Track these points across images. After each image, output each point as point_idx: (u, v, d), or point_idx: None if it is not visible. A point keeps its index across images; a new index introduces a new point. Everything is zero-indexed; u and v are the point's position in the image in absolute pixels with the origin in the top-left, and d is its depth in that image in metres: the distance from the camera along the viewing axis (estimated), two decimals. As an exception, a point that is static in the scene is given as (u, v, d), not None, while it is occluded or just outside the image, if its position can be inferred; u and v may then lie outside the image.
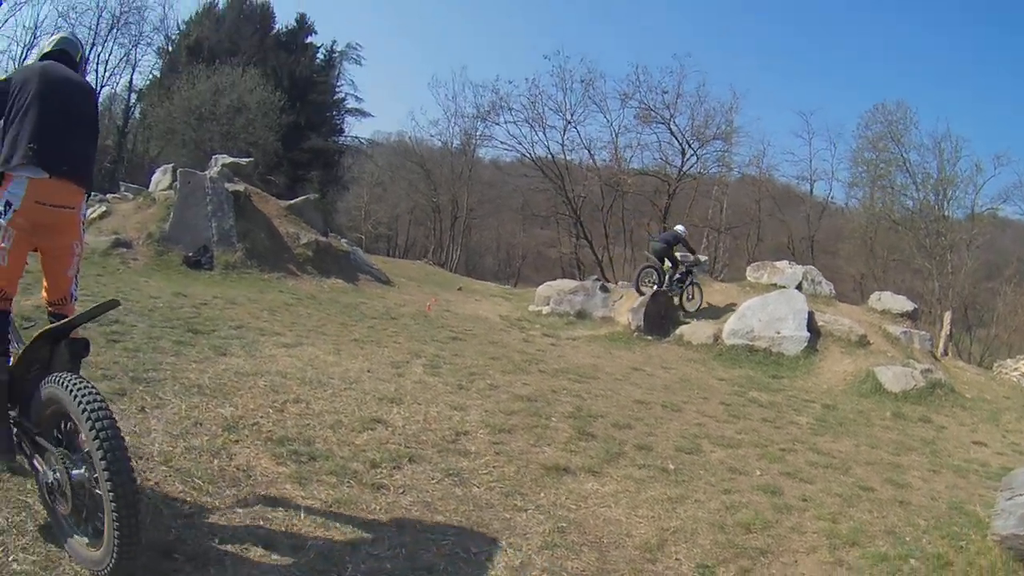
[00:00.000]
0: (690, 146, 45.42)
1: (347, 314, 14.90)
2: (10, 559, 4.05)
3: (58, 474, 3.97)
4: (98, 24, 57.96)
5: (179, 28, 62.75)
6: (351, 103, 69.69)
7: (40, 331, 4.42)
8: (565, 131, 48.62)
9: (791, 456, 8.57)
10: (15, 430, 4.40)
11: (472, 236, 62.54)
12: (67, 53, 5.25)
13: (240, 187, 20.51)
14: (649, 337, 17.16)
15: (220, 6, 63.97)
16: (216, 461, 5.97)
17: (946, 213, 44.04)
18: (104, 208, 19.41)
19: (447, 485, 6.38)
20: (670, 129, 45.67)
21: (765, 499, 6.94)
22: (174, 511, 4.97)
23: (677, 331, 17.64)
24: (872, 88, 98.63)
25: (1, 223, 4.46)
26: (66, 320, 4.52)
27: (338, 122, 68.92)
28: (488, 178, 63.43)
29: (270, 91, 49.65)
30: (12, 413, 4.43)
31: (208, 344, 9.81)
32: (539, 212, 55.44)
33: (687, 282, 19.71)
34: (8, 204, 4.46)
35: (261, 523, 5.08)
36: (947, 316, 21.52)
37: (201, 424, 6.69)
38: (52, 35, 5.56)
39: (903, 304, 19.62)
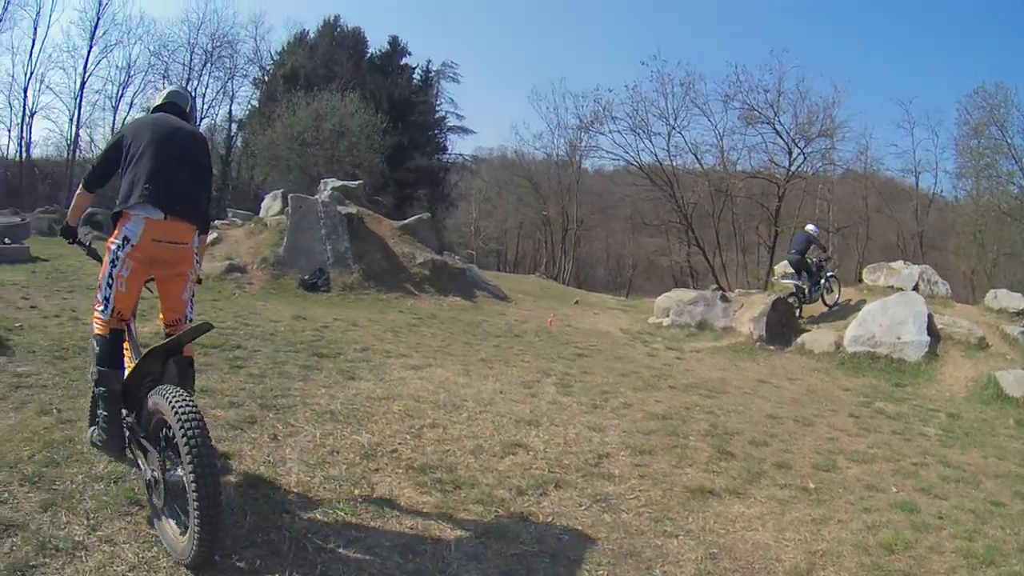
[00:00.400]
0: (796, 144, 43.62)
1: (470, 333, 14.69)
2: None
3: (156, 473, 4.46)
4: (191, 60, 59.92)
5: (272, 58, 64.02)
6: (452, 121, 70.27)
7: (150, 348, 4.81)
8: (670, 136, 47.52)
9: (923, 471, 8.26)
10: (127, 432, 4.84)
11: (582, 247, 61.96)
12: (177, 105, 5.69)
13: (353, 209, 20.51)
14: (771, 347, 16.57)
15: (311, 35, 65.16)
16: (357, 491, 5.73)
17: None
18: (215, 235, 19.49)
19: (596, 511, 6.05)
20: (775, 128, 44.10)
21: (903, 517, 6.68)
22: (317, 546, 4.75)
23: (799, 339, 17.00)
24: (966, 70, 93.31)
25: (120, 255, 4.92)
26: (169, 339, 4.84)
27: (441, 140, 69.57)
28: (596, 188, 62.74)
29: (371, 114, 49.88)
30: (129, 419, 4.85)
31: (335, 368, 9.67)
32: (649, 221, 54.23)
33: (824, 280, 19.11)
34: (127, 239, 4.91)
35: (411, 557, 4.83)
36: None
37: (338, 452, 6.47)
38: (162, 89, 6.06)
39: (1019, 302, 18.77)
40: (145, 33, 61.35)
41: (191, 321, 5.34)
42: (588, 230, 61.27)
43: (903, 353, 15.40)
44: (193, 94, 7.30)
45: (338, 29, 65.67)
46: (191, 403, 4.22)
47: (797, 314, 18.46)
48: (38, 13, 53.99)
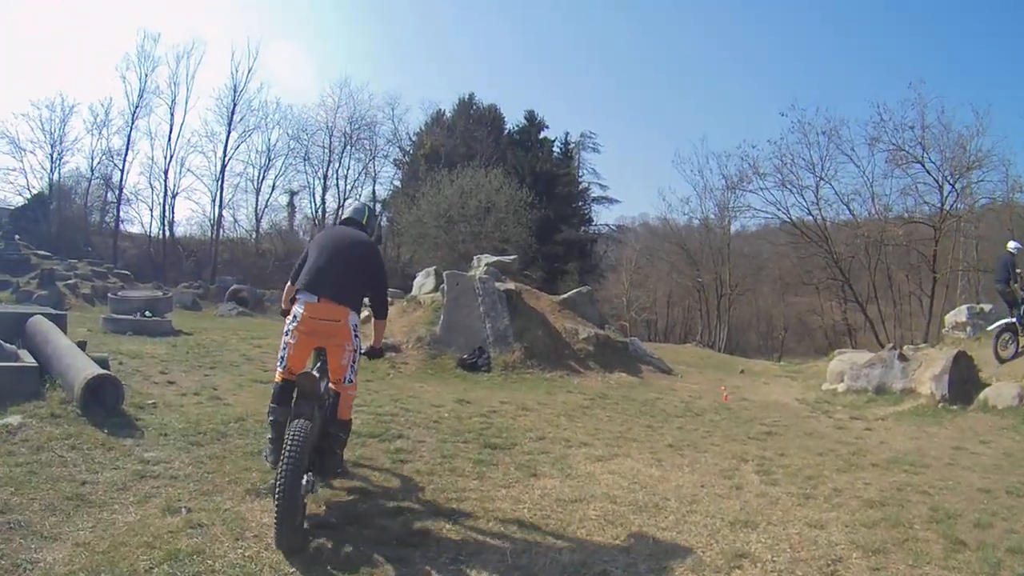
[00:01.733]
0: (948, 181, 40.38)
1: (648, 413, 13.52)
2: None
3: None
4: (331, 142, 62.09)
5: (411, 139, 64.98)
6: (596, 191, 70.25)
7: (296, 394, 6.20)
8: (818, 188, 45.39)
9: None
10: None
11: (732, 312, 59.74)
12: (352, 219, 7.22)
13: (511, 285, 19.66)
14: (954, 407, 14.96)
15: (448, 113, 66.06)
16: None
17: None
18: (366, 313, 18.54)
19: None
20: (924, 167, 41.08)
21: None
22: None
23: (980, 396, 15.16)
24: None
25: (290, 328, 6.41)
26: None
27: (586, 211, 69.80)
28: (744, 250, 60.45)
29: (515, 188, 49.71)
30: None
31: (513, 462, 8.65)
32: (808, 280, 50.63)
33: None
34: (295, 317, 6.37)
35: None
36: None
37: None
38: (352, 203, 7.78)
39: None
40: (283, 118, 64.42)
41: (351, 382, 6.69)
42: (739, 294, 59.30)
43: None
44: (372, 204, 8.90)
45: (474, 107, 66.72)
46: (299, 435, 5.46)
47: (1013, 354, 16.27)
48: (173, 100, 56.98)
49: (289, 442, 5.35)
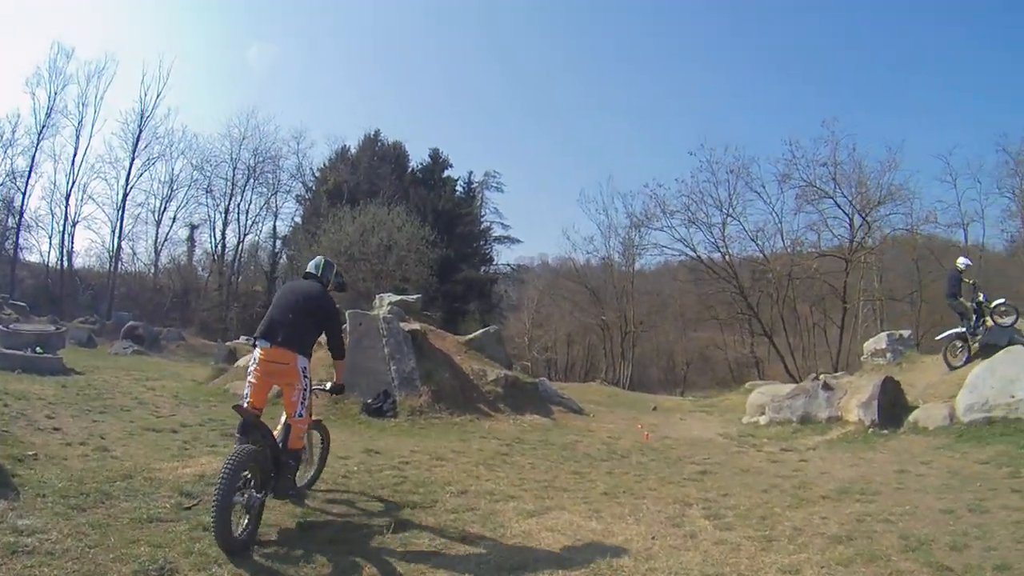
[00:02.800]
0: (860, 214, 41.28)
1: (571, 458, 12.54)
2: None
3: None
4: (234, 175, 60.40)
5: (314, 174, 63.34)
6: (497, 231, 69.40)
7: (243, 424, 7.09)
8: (725, 225, 45.19)
9: None
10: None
11: (635, 348, 58.93)
12: (310, 272, 8.11)
13: (416, 326, 18.50)
14: (884, 431, 14.99)
15: (352, 150, 64.55)
16: None
17: None
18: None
19: None
20: (836, 202, 42.07)
21: None
22: None
23: (910, 418, 15.40)
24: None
25: (251, 368, 7.36)
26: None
27: (487, 251, 68.70)
28: (646, 287, 60.00)
29: (417, 226, 48.48)
30: None
31: (437, 523, 7.57)
32: (714, 315, 51.68)
33: (987, 315, 17.40)
34: (254, 359, 7.32)
35: None
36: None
37: None
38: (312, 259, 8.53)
39: None
40: (187, 148, 61.62)
41: (301, 415, 7.38)
42: (644, 331, 58.75)
43: (1020, 411, 13.96)
44: (329, 261, 8.53)
45: (379, 144, 65.62)
46: (235, 455, 6.28)
47: (964, 361, 17.00)
48: (80, 122, 54.53)
49: (227, 462, 6.16)
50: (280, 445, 7.22)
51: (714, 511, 8.64)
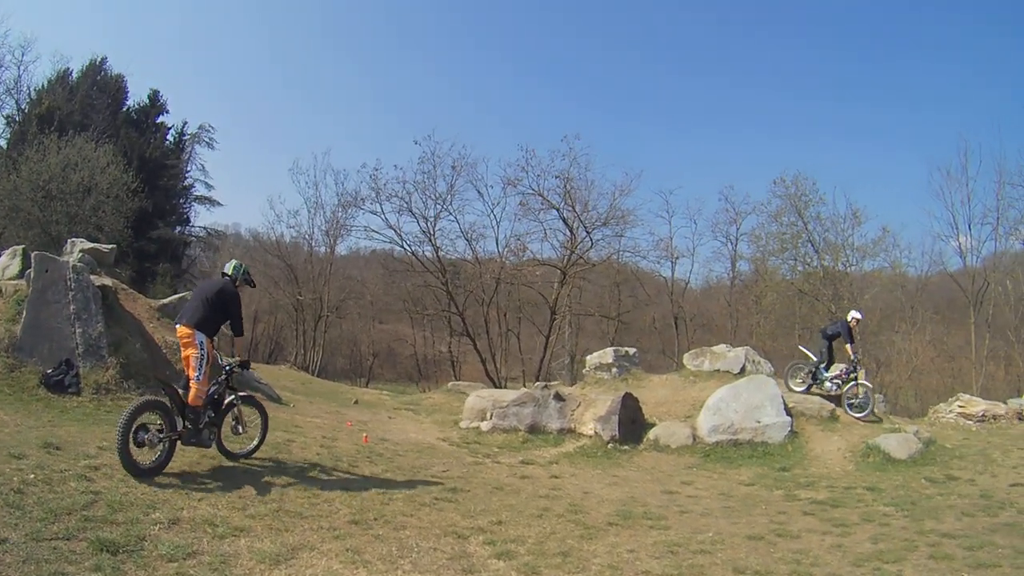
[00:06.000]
0: (586, 230, 39.97)
1: (291, 467, 10.01)
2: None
3: None
4: None
5: (30, 95, 55.90)
6: (200, 190, 62.71)
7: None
8: (437, 218, 41.08)
9: (914, 555, 7.68)
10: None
11: (327, 333, 54.19)
12: (225, 272, 9.91)
13: (107, 281, 14.86)
14: (625, 447, 14.45)
15: (74, 74, 57.18)
16: None
17: (846, 273, 42.80)
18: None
19: None
20: (562, 216, 40.43)
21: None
22: None
23: (650, 435, 15.11)
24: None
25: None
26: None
27: (185, 210, 62.09)
28: (347, 271, 55.65)
29: (122, 171, 42.44)
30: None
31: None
32: (414, 309, 47.62)
33: (852, 379, 17.05)
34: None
35: None
36: (862, 374, 19.29)
37: None
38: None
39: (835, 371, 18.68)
40: None
41: (199, 379, 8.79)
42: (339, 317, 54.89)
43: (766, 436, 14.74)
44: (240, 264, 10.19)
45: (102, 73, 58.34)
46: (132, 405, 8.15)
47: (803, 390, 17.24)
48: None
49: (128, 408, 8.04)
50: (183, 401, 8.82)
51: (500, 547, 7.13)
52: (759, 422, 14.80)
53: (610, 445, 14.34)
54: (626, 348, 21.18)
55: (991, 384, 36.93)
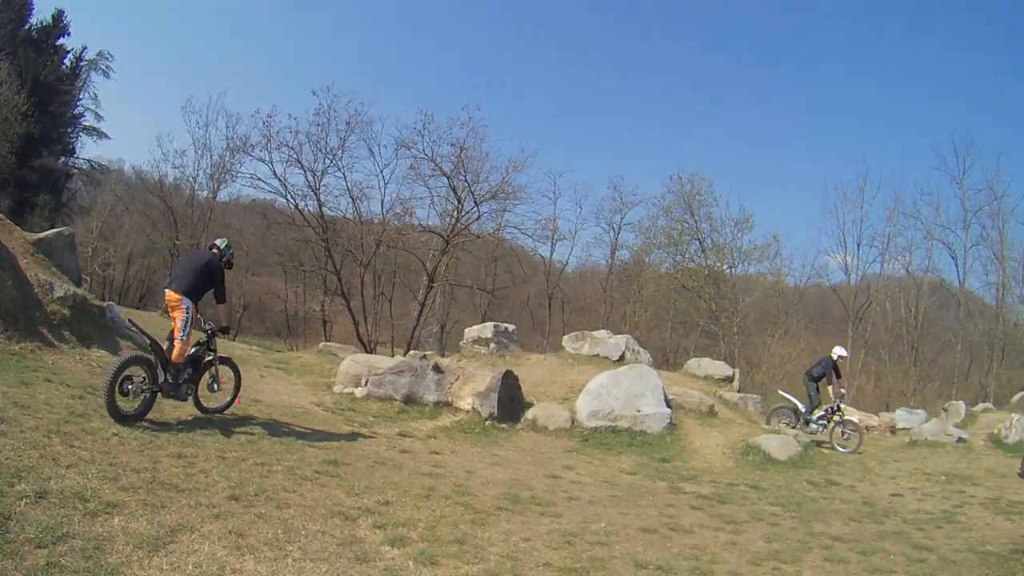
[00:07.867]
0: (475, 201, 39.50)
1: (164, 429, 8.91)
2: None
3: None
4: None
5: None
6: (89, 119, 59.47)
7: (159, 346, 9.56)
8: (322, 175, 39.10)
9: (809, 556, 7.79)
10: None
11: None
12: (217, 246, 10.61)
13: None
14: (503, 425, 14.23)
15: None
16: None
17: (730, 275, 44.62)
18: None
19: None
20: (452, 185, 39.59)
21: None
22: None
23: (528, 415, 15.04)
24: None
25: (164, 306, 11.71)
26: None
27: (72, 140, 58.40)
28: (229, 220, 53.26)
29: (14, 92, 40.76)
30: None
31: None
32: (291, 265, 46.31)
33: (834, 418, 17.28)
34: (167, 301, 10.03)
35: None
36: (736, 373, 21.52)
37: None
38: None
39: (723, 369, 21.02)
40: None
41: (182, 340, 9.59)
42: None
43: (645, 425, 14.76)
44: (229, 242, 11.00)
45: None
46: (120, 359, 9.31)
47: (791, 433, 16.14)
48: None
49: (116, 361, 9.01)
50: (166, 357, 9.51)
51: (391, 532, 6.72)
52: (639, 411, 14.84)
53: (488, 422, 14.12)
54: (506, 324, 21.08)
55: (860, 397, 38.86)
